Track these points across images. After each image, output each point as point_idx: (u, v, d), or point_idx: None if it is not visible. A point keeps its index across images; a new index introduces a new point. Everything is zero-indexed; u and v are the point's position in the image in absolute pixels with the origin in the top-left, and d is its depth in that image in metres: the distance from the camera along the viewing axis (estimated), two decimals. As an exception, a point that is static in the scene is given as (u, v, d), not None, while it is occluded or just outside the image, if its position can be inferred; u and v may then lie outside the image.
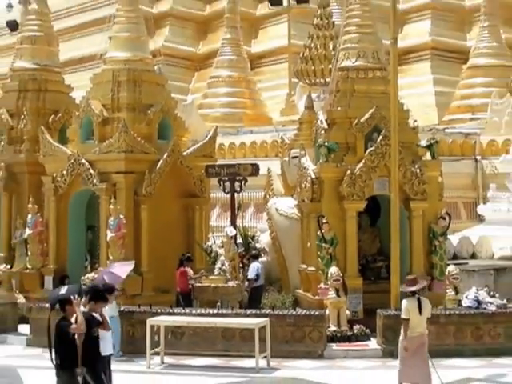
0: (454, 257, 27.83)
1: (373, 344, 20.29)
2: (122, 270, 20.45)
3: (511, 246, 28.93)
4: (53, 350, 13.05)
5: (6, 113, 28.14)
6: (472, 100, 45.47)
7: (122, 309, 21.30)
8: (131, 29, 26.80)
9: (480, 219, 33.74)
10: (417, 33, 54.47)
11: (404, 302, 16.81)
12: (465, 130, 40.04)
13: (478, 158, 37.60)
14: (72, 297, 13.01)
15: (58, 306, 13.34)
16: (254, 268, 24.72)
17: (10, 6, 50.33)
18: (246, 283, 24.45)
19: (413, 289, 16.82)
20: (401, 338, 16.59)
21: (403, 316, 16.76)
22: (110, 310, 20.95)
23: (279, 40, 51.90)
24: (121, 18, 27.05)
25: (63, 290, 13.80)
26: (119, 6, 27.32)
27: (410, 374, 16.39)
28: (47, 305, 20.45)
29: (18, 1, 42.59)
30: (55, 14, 34.41)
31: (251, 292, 24.34)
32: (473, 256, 29.24)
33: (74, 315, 12.85)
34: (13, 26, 47.97)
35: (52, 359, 12.99)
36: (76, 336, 12.80)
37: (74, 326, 12.83)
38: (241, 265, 24.84)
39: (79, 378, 12.84)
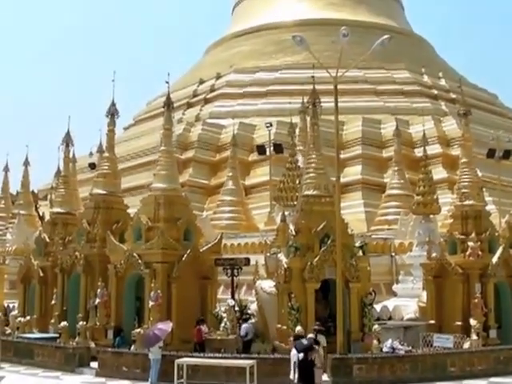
0: (378, 319, 27.54)
1: (324, 377, 19.94)
2: (167, 326, 21.28)
3: (414, 311, 28.82)
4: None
5: (86, 222, 28.22)
6: (388, 217, 45.58)
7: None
8: (168, 169, 27.08)
9: (394, 294, 33.55)
10: (352, 173, 54.91)
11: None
12: (384, 236, 40.04)
13: (393, 254, 37.53)
14: (313, 346, 15.64)
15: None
16: (244, 328, 24.45)
17: (91, 154, 51.25)
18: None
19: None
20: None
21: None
22: (155, 354, 20.76)
23: (263, 177, 52.10)
24: (161, 161, 27.34)
25: (305, 341, 15.36)
26: (160, 154, 27.66)
27: None
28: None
29: (96, 150, 43.08)
30: (119, 158, 34.61)
31: (244, 344, 24.06)
32: (390, 318, 28.97)
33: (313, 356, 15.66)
34: (92, 166, 48.49)
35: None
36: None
37: (319, 365, 15.07)
38: (238, 324, 24.65)
39: None
